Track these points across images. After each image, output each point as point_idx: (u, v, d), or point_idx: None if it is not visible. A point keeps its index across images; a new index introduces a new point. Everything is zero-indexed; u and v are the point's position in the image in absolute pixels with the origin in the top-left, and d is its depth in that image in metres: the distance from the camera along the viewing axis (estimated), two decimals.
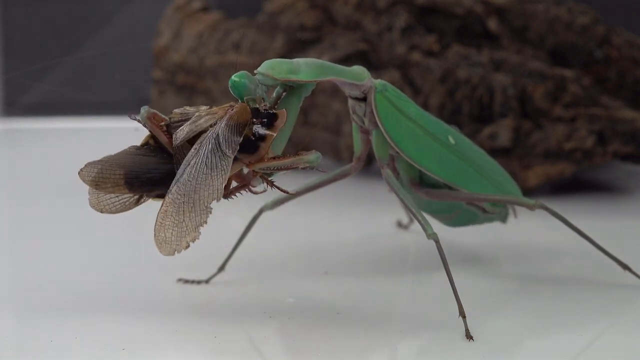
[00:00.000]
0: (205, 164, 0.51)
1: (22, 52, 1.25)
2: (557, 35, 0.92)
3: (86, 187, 0.54)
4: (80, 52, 1.19)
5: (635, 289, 0.62)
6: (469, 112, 0.88)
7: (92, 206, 0.54)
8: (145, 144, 0.53)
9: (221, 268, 0.64)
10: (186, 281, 0.63)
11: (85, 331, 0.55)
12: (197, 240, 0.51)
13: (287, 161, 0.52)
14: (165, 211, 0.51)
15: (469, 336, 0.54)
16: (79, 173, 0.53)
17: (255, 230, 0.64)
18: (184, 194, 0.51)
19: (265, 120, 0.52)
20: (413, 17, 0.93)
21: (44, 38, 1.24)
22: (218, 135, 0.51)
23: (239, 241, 0.64)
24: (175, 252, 0.51)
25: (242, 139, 0.51)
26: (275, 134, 0.51)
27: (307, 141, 0.95)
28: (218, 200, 0.50)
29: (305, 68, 0.55)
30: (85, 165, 0.53)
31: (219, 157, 0.50)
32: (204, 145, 0.51)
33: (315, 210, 0.83)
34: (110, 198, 0.53)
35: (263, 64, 0.54)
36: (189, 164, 0.51)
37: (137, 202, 0.53)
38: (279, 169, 0.52)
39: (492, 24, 0.93)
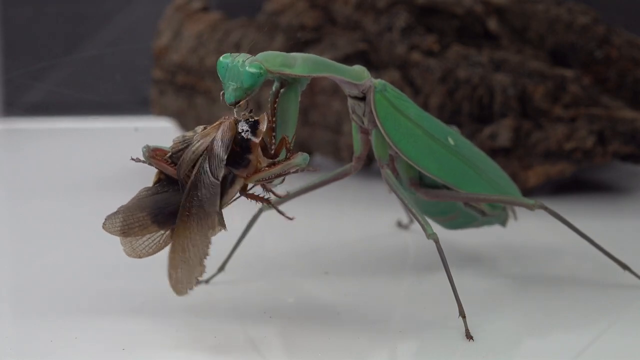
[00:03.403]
0: (200, 193, 0.51)
1: (22, 52, 1.25)
2: (557, 35, 0.92)
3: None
4: (80, 52, 1.19)
5: (635, 289, 0.62)
6: (469, 112, 0.88)
7: (129, 255, 0.54)
8: (157, 182, 0.53)
9: (221, 268, 0.64)
10: None
11: (85, 331, 0.55)
12: (204, 273, 0.51)
13: (277, 169, 0.52)
14: (174, 250, 0.51)
15: (469, 336, 0.54)
16: (103, 226, 0.53)
17: (255, 230, 0.64)
18: (185, 228, 0.51)
19: (248, 129, 0.52)
20: (413, 17, 0.93)
21: (44, 38, 1.24)
22: (209, 159, 0.51)
23: (239, 241, 0.64)
24: (188, 290, 0.51)
25: (232, 154, 0.51)
26: (258, 141, 0.51)
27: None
28: (215, 231, 0.51)
29: (301, 62, 0.55)
30: (107, 219, 0.53)
31: (210, 183, 0.51)
32: (199, 175, 0.51)
33: (315, 210, 0.82)
34: (144, 242, 0.53)
35: (258, 55, 0.54)
36: (187, 196, 0.51)
37: (171, 237, 0.53)
38: (273, 177, 0.52)
39: (492, 24, 0.93)
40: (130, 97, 1.18)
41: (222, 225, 0.51)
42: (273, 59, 0.54)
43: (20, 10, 1.24)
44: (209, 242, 0.51)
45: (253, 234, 0.64)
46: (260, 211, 0.63)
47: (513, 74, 0.88)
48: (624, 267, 0.62)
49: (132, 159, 0.54)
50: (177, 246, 0.51)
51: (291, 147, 0.54)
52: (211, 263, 0.63)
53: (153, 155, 0.53)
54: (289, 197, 0.63)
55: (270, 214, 0.63)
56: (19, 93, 1.20)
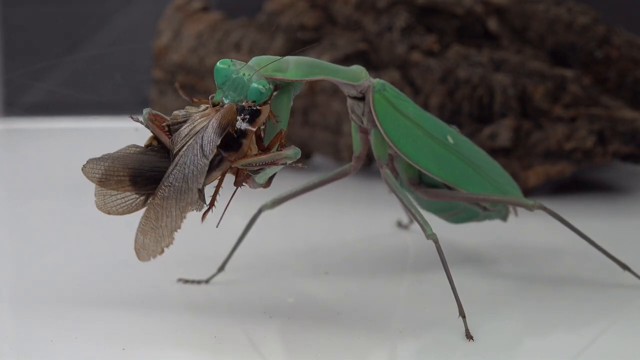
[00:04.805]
0: (187, 168, 0.51)
1: (22, 52, 1.24)
2: (557, 35, 0.92)
3: (86, 187, 0.54)
4: (80, 52, 1.19)
5: (635, 289, 0.62)
6: (469, 112, 0.88)
7: (99, 208, 0.53)
8: (148, 146, 0.53)
9: (221, 268, 0.64)
10: (186, 281, 0.63)
11: (85, 331, 0.54)
12: (171, 245, 0.50)
13: (266, 157, 0.52)
14: (147, 216, 0.51)
15: (469, 336, 0.54)
16: (82, 169, 0.53)
17: (255, 229, 0.64)
18: (164, 198, 0.51)
19: (248, 116, 0.51)
20: (413, 17, 0.93)
21: (44, 38, 1.24)
22: (203, 138, 0.51)
23: (239, 241, 0.64)
24: (151, 258, 0.51)
25: (226, 137, 0.51)
26: (255, 129, 0.51)
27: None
28: (197, 208, 0.51)
29: (294, 67, 0.55)
30: (88, 162, 0.53)
31: (200, 160, 0.50)
32: (189, 149, 0.51)
33: (315, 209, 0.83)
34: (117, 199, 0.53)
35: (251, 61, 0.54)
36: (174, 168, 0.51)
37: (144, 204, 0.53)
38: (260, 164, 0.52)
39: (492, 24, 0.93)
40: (131, 97, 1.17)
41: (203, 201, 0.51)
42: (265, 64, 0.54)
43: (20, 10, 1.24)
44: (184, 217, 0.50)
45: (253, 234, 0.64)
46: (259, 211, 0.63)
47: (513, 74, 0.88)
48: (624, 267, 0.62)
49: (131, 117, 0.54)
50: (151, 213, 0.51)
51: (285, 144, 0.53)
52: (212, 263, 0.64)
53: (152, 119, 0.53)
54: (288, 197, 0.62)
55: (270, 214, 0.64)
56: (18, 93, 1.20)
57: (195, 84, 1.02)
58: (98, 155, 0.53)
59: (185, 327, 0.55)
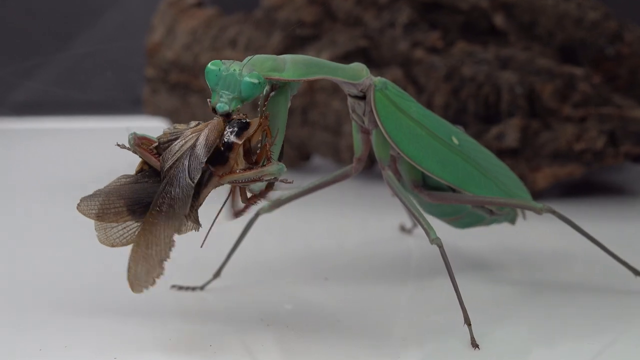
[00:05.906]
0: (174, 190, 0.51)
1: (11, 49, 1.25)
2: (566, 32, 0.92)
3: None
4: (71, 50, 1.20)
5: None
6: (475, 112, 0.88)
7: (102, 242, 0.53)
8: (139, 171, 0.53)
9: (217, 274, 0.64)
10: (180, 287, 0.62)
11: (75, 339, 0.54)
12: (162, 276, 0.50)
13: (250, 174, 0.52)
14: (138, 243, 0.51)
15: (474, 344, 0.53)
16: (77, 208, 0.53)
17: (252, 234, 0.63)
18: (153, 224, 0.51)
19: (236, 129, 0.51)
20: (416, 13, 0.93)
21: (34, 35, 1.24)
22: (189, 158, 0.51)
23: (235, 246, 0.63)
24: (144, 290, 0.51)
25: (213, 151, 0.51)
26: (241, 142, 0.51)
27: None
28: (180, 233, 0.50)
29: (291, 66, 0.54)
30: (82, 200, 0.53)
31: (186, 184, 0.50)
32: (176, 170, 0.51)
33: (315, 213, 0.83)
34: (118, 231, 0.53)
35: (245, 60, 0.53)
36: (162, 190, 0.51)
37: None
38: (246, 181, 0.52)
39: (499, 20, 0.93)
40: (123, 95, 1.18)
41: (197, 223, 0.51)
42: (261, 64, 0.53)
43: (9, 7, 1.24)
44: (172, 245, 0.50)
45: (250, 238, 0.63)
46: (257, 214, 0.63)
47: (520, 71, 0.88)
48: (636, 272, 0.62)
49: (118, 145, 0.53)
50: (142, 240, 0.51)
51: (273, 156, 0.53)
52: (207, 269, 0.64)
53: (139, 143, 0.52)
54: (287, 200, 0.62)
55: (267, 217, 0.63)
56: (8, 92, 1.21)
57: (190, 82, 1.03)
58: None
59: (180, 336, 0.55)
